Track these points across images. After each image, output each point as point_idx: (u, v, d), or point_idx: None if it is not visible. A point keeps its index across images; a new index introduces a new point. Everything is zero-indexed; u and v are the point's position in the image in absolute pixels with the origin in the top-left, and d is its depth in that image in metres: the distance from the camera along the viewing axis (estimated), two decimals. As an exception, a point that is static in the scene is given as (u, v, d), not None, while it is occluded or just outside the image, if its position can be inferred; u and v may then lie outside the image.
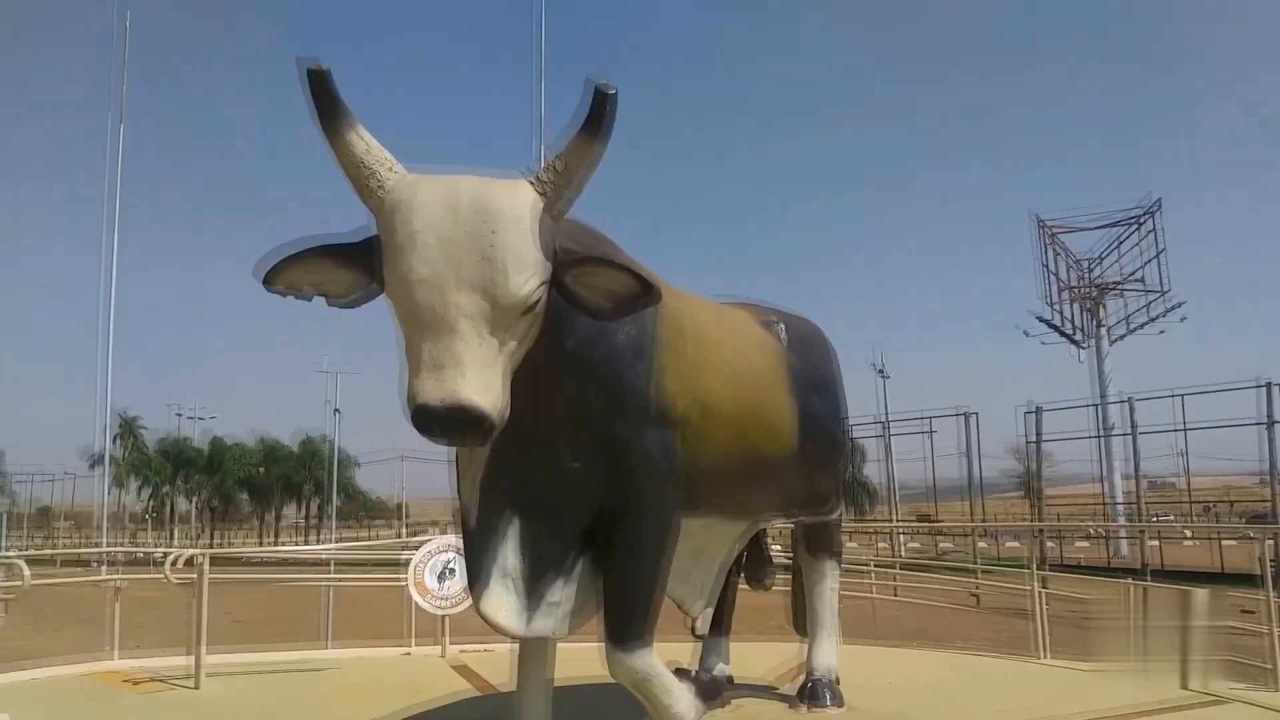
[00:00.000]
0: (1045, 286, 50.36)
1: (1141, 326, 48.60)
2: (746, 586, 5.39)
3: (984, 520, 40.56)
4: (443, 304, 2.70)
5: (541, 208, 2.83)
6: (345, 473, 55.06)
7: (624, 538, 3.49)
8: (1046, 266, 50.27)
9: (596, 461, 3.42)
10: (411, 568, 7.63)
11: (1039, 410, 28.87)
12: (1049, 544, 33.07)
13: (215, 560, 8.76)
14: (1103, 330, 49.16)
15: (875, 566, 11.71)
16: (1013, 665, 7.09)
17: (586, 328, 3.22)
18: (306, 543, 50.52)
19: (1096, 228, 50.29)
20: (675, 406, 3.59)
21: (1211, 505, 51.06)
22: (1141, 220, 48.56)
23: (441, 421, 2.67)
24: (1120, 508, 41.32)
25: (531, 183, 2.87)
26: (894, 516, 42.71)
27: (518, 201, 2.80)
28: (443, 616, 7.58)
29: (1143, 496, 30.15)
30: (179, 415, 63.49)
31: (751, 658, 6.25)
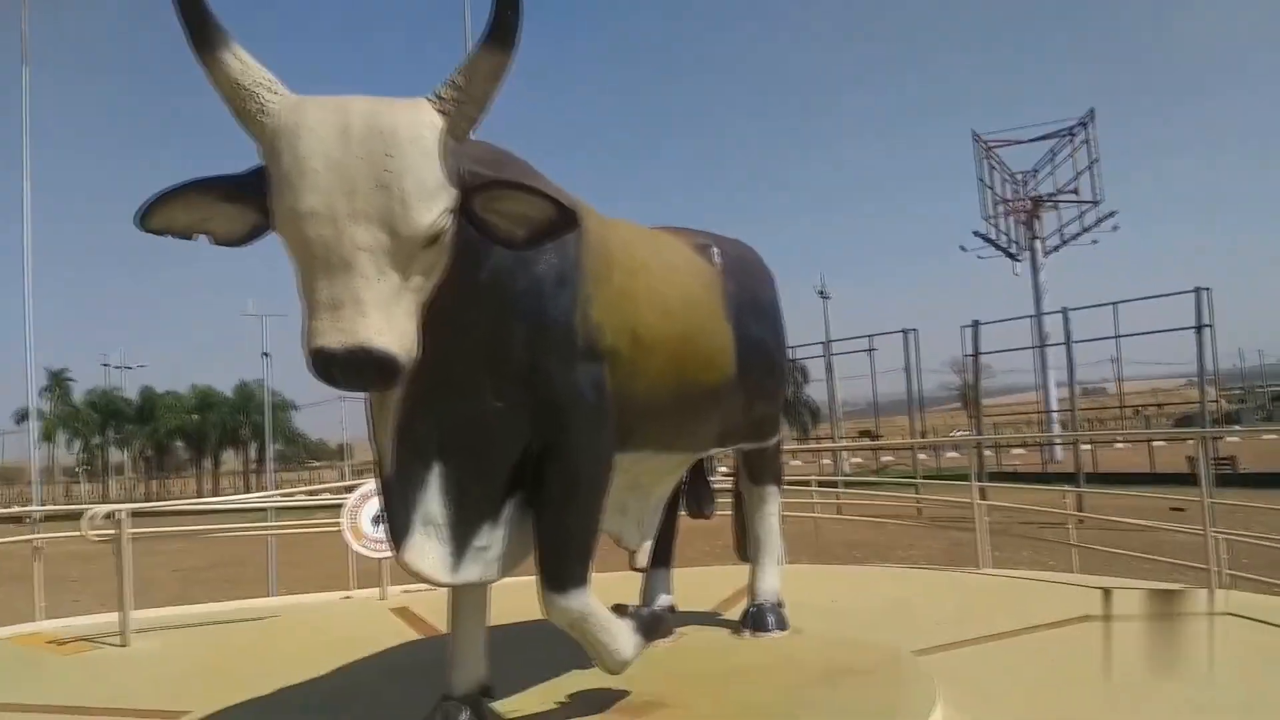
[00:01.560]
0: (983, 202, 50.95)
1: (1075, 238, 49.52)
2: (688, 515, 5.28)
3: (923, 435, 41.42)
4: (336, 238, 2.44)
5: (443, 127, 2.57)
6: (282, 417, 54.12)
7: (555, 478, 3.31)
8: (983, 181, 50.77)
9: (521, 400, 3.21)
10: (346, 512, 7.43)
11: (976, 325, 29.19)
12: (987, 452, 33.84)
13: (149, 513, 8.49)
14: (1037, 243, 50.00)
15: (818, 486, 11.73)
16: (953, 578, 7.14)
17: (502, 257, 2.98)
18: (247, 488, 50.00)
19: (1032, 140, 50.85)
20: (603, 338, 3.38)
21: (1141, 409, 52.71)
22: (1075, 132, 49.10)
23: (342, 366, 2.45)
24: (1055, 415, 42.45)
25: (431, 100, 2.60)
26: (836, 435, 43.30)
27: (416, 121, 2.53)
28: (381, 559, 7.41)
29: (1077, 404, 30.82)
30: (106, 366, 62.20)
31: (697, 584, 6.19)
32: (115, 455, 61.55)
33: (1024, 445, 43.93)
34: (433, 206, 2.53)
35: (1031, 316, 41.18)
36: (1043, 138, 50.59)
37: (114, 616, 6.85)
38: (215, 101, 2.54)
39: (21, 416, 44.91)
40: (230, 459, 61.71)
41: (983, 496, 7.97)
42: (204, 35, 2.42)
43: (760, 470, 5.07)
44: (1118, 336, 34.19)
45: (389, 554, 7.14)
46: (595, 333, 3.34)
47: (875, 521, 13.35)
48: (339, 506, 7.48)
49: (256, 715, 4.45)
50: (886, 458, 43.80)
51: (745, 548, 5.25)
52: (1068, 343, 30.90)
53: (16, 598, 7.64)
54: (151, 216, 2.59)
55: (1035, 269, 49.47)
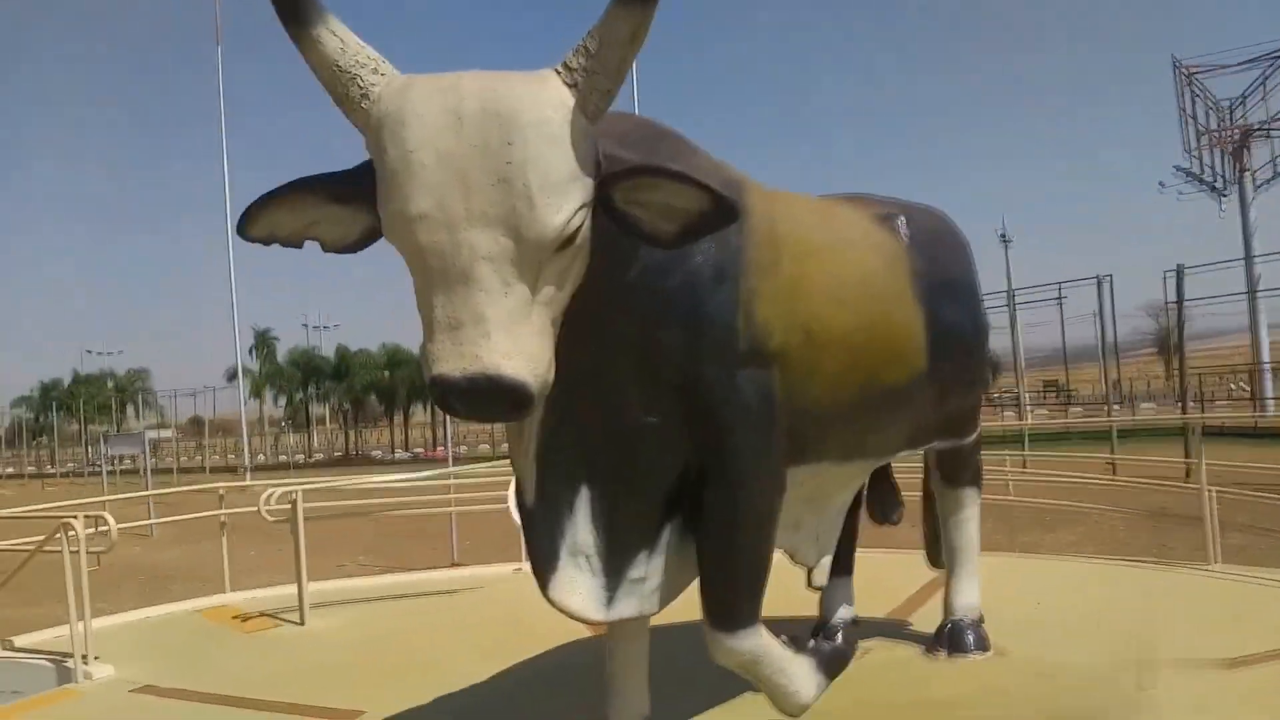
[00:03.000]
0: (1184, 134, 46.52)
1: (1290, 168, 44.59)
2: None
3: (1117, 385, 38.55)
4: (453, 245, 2.06)
5: (573, 105, 2.12)
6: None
7: (718, 503, 2.88)
8: (1184, 111, 46.33)
9: (677, 414, 2.79)
10: (512, 486, 7.26)
11: (1180, 270, 26.55)
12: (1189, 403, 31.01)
13: (323, 492, 8.65)
14: (1246, 177, 45.37)
15: (1007, 458, 10.77)
16: (1179, 579, 6.24)
17: (651, 253, 2.54)
18: (434, 440, 52.14)
19: (1240, 64, 45.79)
20: (771, 338, 2.91)
21: (1372, 357, 47.42)
22: (1291, 52, 43.90)
23: (465, 396, 2.09)
24: (1268, 367, 38.76)
25: (558, 72, 2.16)
26: (1021, 388, 40.88)
27: (540, 100, 2.10)
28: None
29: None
30: (305, 326, 66.72)
31: (874, 575, 5.48)
32: (316, 408, 65.72)
33: (1231, 396, 40.48)
34: (564, 203, 2.11)
35: (1241, 260, 37.49)
36: (1251, 61, 45.54)
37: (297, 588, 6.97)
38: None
39: (231, 375, 48.65)
40: (420, 411, 64.58)
41: (1210, 477, 6.98)
42: (296, 9, 2.08)
43: (957, 470, 4.48)
44: (1346, 280, 30.58)
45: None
46: (761, 333, 2.87)
47: (1065, 486, 12.26)
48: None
49: (422, 715, 4.35)
50: (1076, 409, 41.24)
51: (936, 553, 4.70)
52: (1287, 288, 27.79)
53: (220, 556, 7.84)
54: (254, 224, 2.28)
55: (1244, 206, 44.91)
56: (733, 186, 2.87)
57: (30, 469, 52.21)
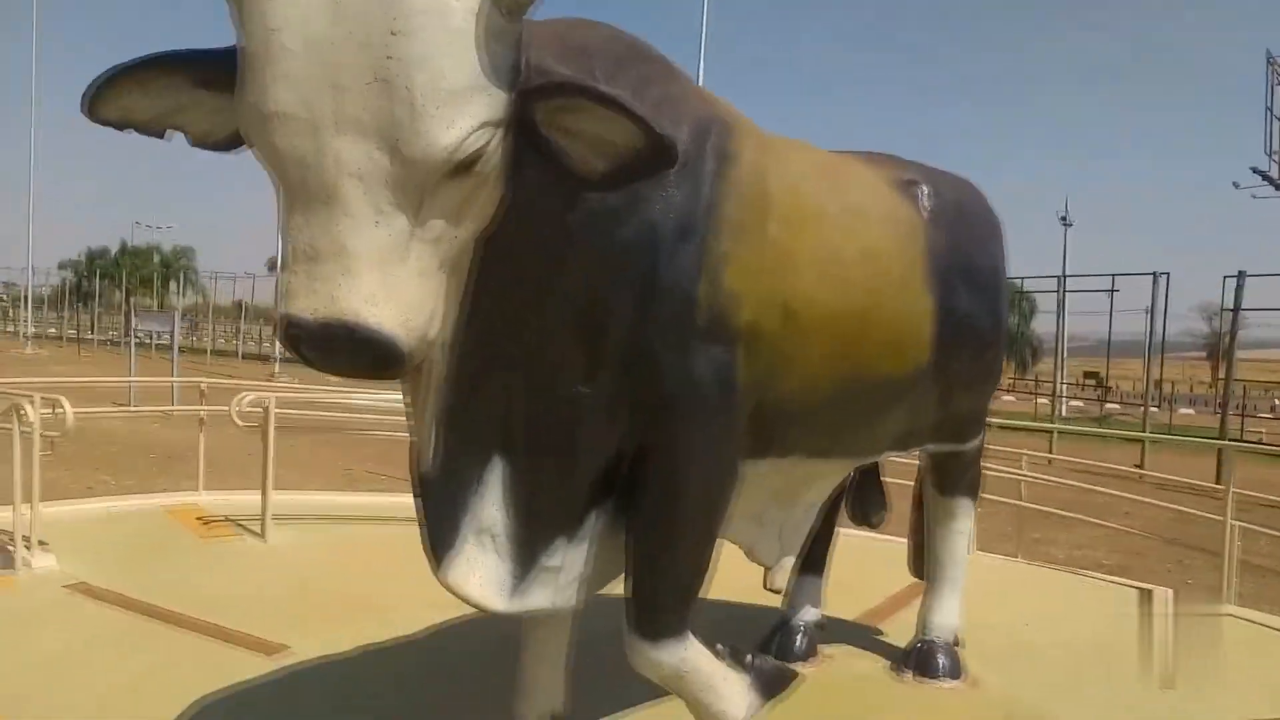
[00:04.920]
0: (1267, 134, 44.43)
1: (1378, 182, 42.55)
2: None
3: (1159, 385, 37.46)
4: (317, 154, 1.64)
5: None
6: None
7: (654, 495, 2.48)
8: (1271, 110, 44.20)
9: (615, 387, 2.37)
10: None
11: (1241, 276, 25.35)
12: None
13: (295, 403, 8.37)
14: (1328, 185, 43.35)
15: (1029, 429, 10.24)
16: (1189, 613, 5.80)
17: (601, 196, 2.11)
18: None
19: (1341, 65, 43.48)
20: (738, 312, 2.46)
21: None
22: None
23: (317, 344, 1.70)
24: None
25: None
26: (1059, 378, 39.90)
27: None
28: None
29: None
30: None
31: (854, 564, 4.92)
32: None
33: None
34: (458, 117, 1.67)
35: (1310, 271, 35.94)
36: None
37: (278, 495, 6.73)
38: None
39: (272, 265, 48.76)
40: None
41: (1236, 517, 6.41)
42: None
43: (952, 479, 4.02)
44: None
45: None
46: (727, 306, 2.43)
47: (1088, 482, 11.75)
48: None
49: (345, 664, 4.09)
50: (1111, 405, 40.28)
51: (921, 564, 4.28)
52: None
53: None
54: (104, 103, 1.83)
55: (1323, 217, 43.06)
56: (713, 126, 2.43)
57: (70, 333, 52.85)
